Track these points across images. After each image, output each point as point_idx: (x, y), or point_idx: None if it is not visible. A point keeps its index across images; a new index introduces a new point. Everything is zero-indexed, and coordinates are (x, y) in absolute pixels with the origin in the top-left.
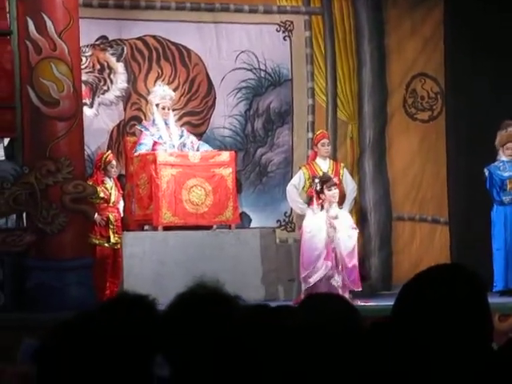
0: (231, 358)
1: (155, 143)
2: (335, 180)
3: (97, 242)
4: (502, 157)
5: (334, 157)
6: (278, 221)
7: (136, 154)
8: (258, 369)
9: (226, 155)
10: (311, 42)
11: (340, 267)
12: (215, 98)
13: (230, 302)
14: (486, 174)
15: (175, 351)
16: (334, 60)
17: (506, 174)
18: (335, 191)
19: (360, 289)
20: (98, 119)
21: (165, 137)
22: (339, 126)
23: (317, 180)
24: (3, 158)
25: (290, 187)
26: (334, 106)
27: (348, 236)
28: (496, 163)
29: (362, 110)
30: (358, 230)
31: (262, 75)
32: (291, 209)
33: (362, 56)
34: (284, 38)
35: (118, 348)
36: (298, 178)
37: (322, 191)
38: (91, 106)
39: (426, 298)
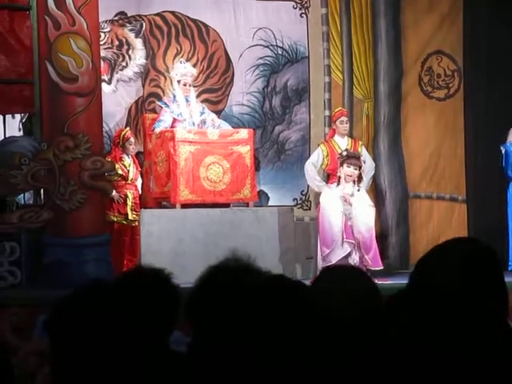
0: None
1: (174, 120)
2: (360, 162)
3: (115, 219)
4: None
5: (349, 135)
6: (295, 199)
7: (155, 130)
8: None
9: (244, 133)
10: (327, 19)
11: (357, 245)
12: (233, 74)
13: (261, 275)
14: (503, 151)
15: (206, 320)
16: (349, 37)
17: None
18: (354, 171)
19: (381, 267)
20: (116, 96)
21: (185, 114)
22: (355, 103)
23: (345, 152)
24: (21, 134)
25: (308, 165)
26: (350, 84)
27: (365, 213)
28: None
29: (377, 88)
30: (375, 208)
31: (279, 52)
32: (308, 187)
33: (378, 33)
34: (301, 15)
35: (130, 320)
36: (317, 156)
37: (341, 164)
38: (109, 82)
39: (443, 271)
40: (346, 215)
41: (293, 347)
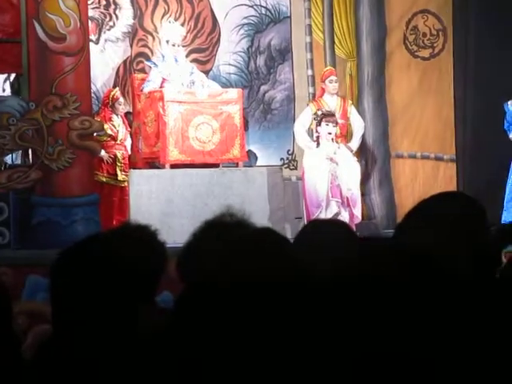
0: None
1: (163, 80)
2: (337, 118)
3: (104, 179)
4: None
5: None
6: (282, 159)
7: (144, 90)
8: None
9: (233, 92)
10: None
11: (346, 202)
12: (220, 34)
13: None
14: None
15: (196, 272)
16: None
17: None
18: (332, 129)
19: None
20: (104, 56)
21: (174, 74)
22: (338, 63)
23: (319, 112)
24: (9, 93)
25: (297, 125)
26: (332, 43)
27: (352, 169)
28: None
29: (360, 47)
30: (359, 165)
31: (263, 12)
32: (294, 146)
33: None
34: None
35: (118, 272)
36: (306, 116)
37: (319, 124)
38: (97, 42)
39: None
40: (333, 174)
41: (280, 302)
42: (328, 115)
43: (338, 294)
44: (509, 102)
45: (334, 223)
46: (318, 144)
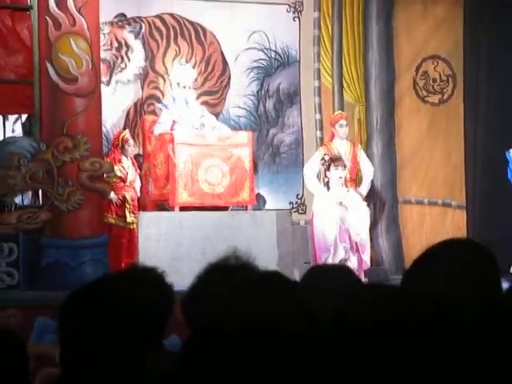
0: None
1: (174, 122)
2: (346, 162)
3: (113, 221)
4: None
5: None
6: (291, 202)
7: (154, 132)
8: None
9: (243, 135)
10: (319, 22)
11: (355, 247)
12: (230, 77)
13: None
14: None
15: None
16: (340, 41)
17: None
18: (341, 173)
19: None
20: (115, 97)
21: (184, 116)
22: (346, 107)
23: (326, 157)
24: (21, 134)
25: (306, 169)
26: (340, 88)
27: (362, 213)
28: None
29: (369, 92)
30: (369, 210)
31: (273, 55)
32: (303, 190)
33: (369, 37)
34: (293, 19)
35: (126, 315)
36: (315, 160)
37: (328, 169)
38: (108, 84)
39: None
40: (342, 219)
41: (287, 347)
42: (336, 160)
43: (345, 340)
44: (510, 150)
45: (340, 268)
46: (328, 188)
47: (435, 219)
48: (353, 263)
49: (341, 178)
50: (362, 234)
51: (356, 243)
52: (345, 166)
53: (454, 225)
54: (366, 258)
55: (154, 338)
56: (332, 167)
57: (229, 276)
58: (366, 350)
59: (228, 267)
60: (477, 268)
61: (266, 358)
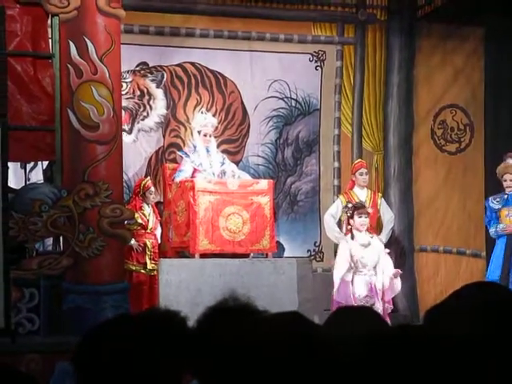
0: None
1: (195, 170)
2: (369, 209)
3: (133, 268)
4: (507, 189)
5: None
6: (309, 250)
7: (175, 180)
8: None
9: (264, 183)
10: (341, 72)
11: (380, 295)
12: (249, 126)
13: (260, 314)
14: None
15: (204, 363)
16: (361, 91)
17: (496, 207)
18: (365, 220)
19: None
20: (137, 145)
21: (205, 164)
22: (364, 156)
23: (350, 205)
24: (42, 180)
25: (327, 216)
26: (359, 137)
27: (385, 262)
28: (495, 195)
29: (387, 141)
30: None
31: (293, 104)
32: (321, 238)
33: (390, 87)
34: (316, 68)
35: (147, 360)
36: (336, 207)
37: (352, 217)
38: (130, 132)
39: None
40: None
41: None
42: (359, 207)
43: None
44: (490, 198)
45: (365, 309)
46: (353, 237)
47: (450, 267)
48: (377, 309)
49: (363, 225)
50: (385, 282)
51: (383, 292)
52: (368, 214)
53: (467, 273)
54: (389, 304)
55: (175, 380)
56: (355, 215)
57: (229, 318)
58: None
59: (227, 309)
60: (501, 308)
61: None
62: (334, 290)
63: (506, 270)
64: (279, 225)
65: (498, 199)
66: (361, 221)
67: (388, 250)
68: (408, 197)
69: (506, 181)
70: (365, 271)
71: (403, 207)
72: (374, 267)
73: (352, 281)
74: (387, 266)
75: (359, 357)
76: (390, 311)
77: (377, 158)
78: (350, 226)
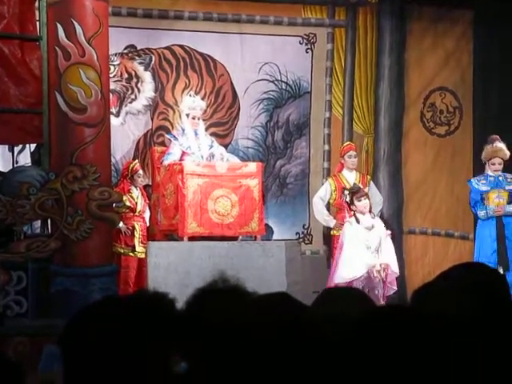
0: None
1: (183, 153)
2: (365, 190)
3: (122, 251)
4: (488, 171)
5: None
6: (297, 233)
7: (164, 163)
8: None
9: (253, 166)
10: (332, 54)
11: (380, 277)
12: (239, 108)
13: (250, 296)
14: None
15: (193, 346)
16: (352, 73)
17: (483, 188)
18: (365, 201)
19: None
20: (125, 128)
21: (194, 147)
22: (355, 138)
23: (346, 192)
24: (30, 163)
25: (315, 199)
26: (350, 120)
27: (389, 244)
28: (478, 177)
29: (377, 124)
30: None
31: (283, 87)
32: (310, 221)
33: (381, 70)
34: (306, 51)
35: (134, 342)
36: (325, 190)
37: (352, 202)
38: (118, 114)
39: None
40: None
41: (292, 366)
42: (356, 191)
43: (355, 354)
44: (473, 180)
45: (353, 290)
46: (358, 220)
47: (438, 249)
48: (379, 292)
49: (365, 207)
50: (388, 262)
51: (386, 274)
52: (366, 194)
53: (456, 254)
54: (391, 285)
55: (164, 361)
56: (355, 200)
57: (220, 300)
58: (381, 361)
59: (217, 291)
60: (488, 287)
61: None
62: (337, 272)
63: (503, 252)
64: (268, 207)
65: (483, 181)
66: (362, 203)
67: (390, 232)
68: (397, 180)
69: (494, 164)
70: (368, 253)
71: (392, 190)
72: (377, 250)
73: (354, 263)
74: (390, 248)
75: (347, 336)
76: (392, 292)
77: (367, 141)
78: (352, 212)
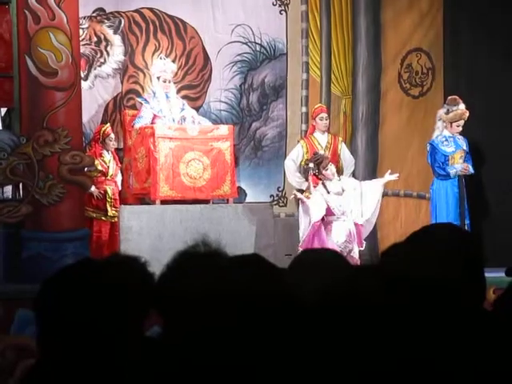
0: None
1: (155, 116)
2: (327, 156)
3: (94, 215)
4: (445, 132)
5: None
6: (272, 195)
7: (135, 126)
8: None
9: (224, 129)
10: (307, 16)
11: (357, 240)
12: (211, 71)
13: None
14: (428, 148)
15: (172, 306)
16: (329, 35)
17: (450, 150)
18: (332, 167)
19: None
20: (93, 92)
21: (165, 110)
22: (333, 100)
23: (311, 164)
24: (0, 127)
25: (288, 162)
26: (328, 81)
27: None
28: (439, 138)
29: (355, 85)
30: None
31: (258, 49)
32: (284, 183)
33: (358, 31)
34: (280, 12)
35: (107, 300)
36: (297, 152)
37: (320, 173)
38: (86, 78)
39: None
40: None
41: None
42: (320, 160)
43: (324, 317)
44: (436, 142)
45: (328, 251)
46: (328, 191)
47: (409, 211)
48: (356, 254)
49: (333, 174)
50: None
51: (358, 235)
52: (328, 159)
53: (427, 216)
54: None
55: (135, 324)
56: (322, 170)
57: (199, 262)
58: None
59: (197, 254)
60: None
61: (246, 336)
62: (304, 236)
63: (462, 209)
64: (241, 170)
65: (445, 142)
66: (329, 171)
67: (358, 185)
68: (374, 141)
69: (459, 126)
70: (343, 217)
71: (369, 151)
72: (351, 211)
73: (331, 228)
74: (370, 199)
75: (320, 298)
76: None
77: (345, 103)
78: (321, 180)
